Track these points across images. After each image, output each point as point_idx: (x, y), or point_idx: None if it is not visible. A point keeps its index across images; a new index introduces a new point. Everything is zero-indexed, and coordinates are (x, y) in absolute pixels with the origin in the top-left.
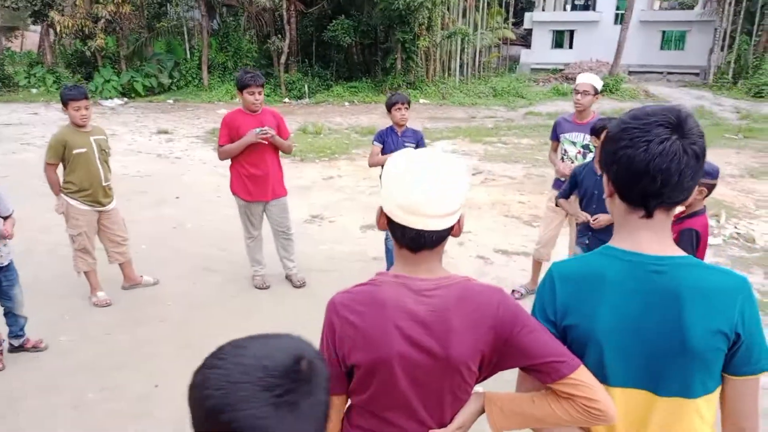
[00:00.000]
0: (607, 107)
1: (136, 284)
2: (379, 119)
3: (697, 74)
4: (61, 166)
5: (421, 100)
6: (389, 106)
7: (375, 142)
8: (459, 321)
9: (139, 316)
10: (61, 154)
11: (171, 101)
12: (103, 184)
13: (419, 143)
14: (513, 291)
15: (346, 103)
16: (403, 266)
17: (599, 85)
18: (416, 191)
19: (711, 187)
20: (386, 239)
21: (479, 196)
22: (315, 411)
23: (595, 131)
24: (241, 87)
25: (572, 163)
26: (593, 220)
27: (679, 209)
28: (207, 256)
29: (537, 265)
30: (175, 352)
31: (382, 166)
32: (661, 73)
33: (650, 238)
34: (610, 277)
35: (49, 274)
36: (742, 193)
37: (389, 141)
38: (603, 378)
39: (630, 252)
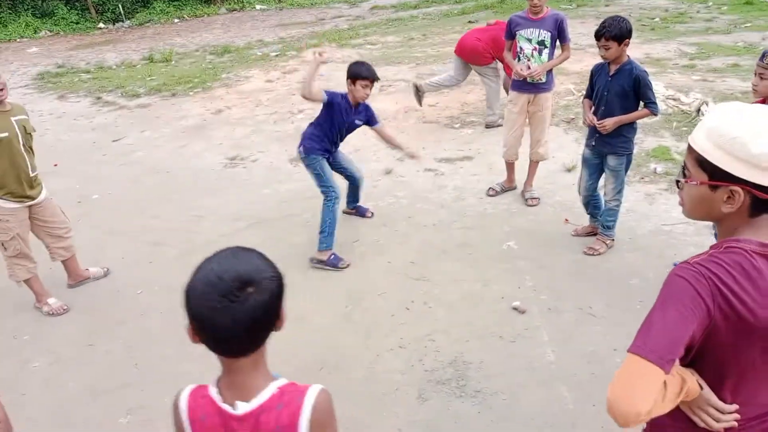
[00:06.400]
0: None
1: (83, 280)
2: (224, 34)
3: None
4: None
5: (258, 6)
6: (353, 77)
7: (324, 93)
8: None
9: (112, 314)
10: None
11: None
12: (31, 174)
13: (370, 120)
14: (489, 189)
15: (176, 20)
16: (755, 231)
17: None
18: None
19: None
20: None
21: (387, 106)
22: (250, 313)
23: None
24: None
25: (528, 60)
26: (599, 125)
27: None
28: (143, 228)
29: (509, 165)
30: (187, 343)
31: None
32: None
33: None
34: None
35: None
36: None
37: (338, 112)
38: None
39: None
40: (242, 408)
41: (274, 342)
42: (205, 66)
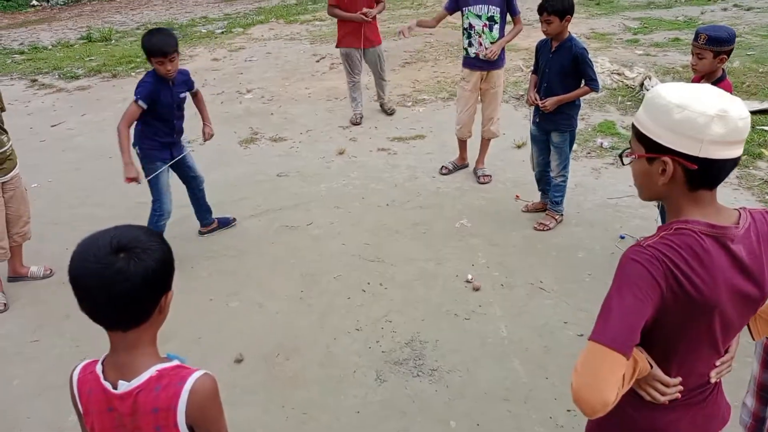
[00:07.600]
0: None
1: (20, 277)
2: (166, 11)
3: None
4: None
5: None
6: (150, 55)
7: (140, 101)
8: (765, 256)
9: (57, 308)
10: None
11: None
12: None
13: (190, 86)
14: (442, 167)
15: None
16: (700, 211)
17: None
18: (732, 114)
19: (730, 53)
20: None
21: (338, 84)
22: (120, 279)
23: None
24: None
25: (479, 37)
26: (542, 105)
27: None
28: (86, 217)
29: (462, 143)
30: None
31: None
32: None
33: None
34: None
35: None
36: None
37: (162, 97)
38: None
39: None
40: (122, 387)
41: (232, 328)
42: None
